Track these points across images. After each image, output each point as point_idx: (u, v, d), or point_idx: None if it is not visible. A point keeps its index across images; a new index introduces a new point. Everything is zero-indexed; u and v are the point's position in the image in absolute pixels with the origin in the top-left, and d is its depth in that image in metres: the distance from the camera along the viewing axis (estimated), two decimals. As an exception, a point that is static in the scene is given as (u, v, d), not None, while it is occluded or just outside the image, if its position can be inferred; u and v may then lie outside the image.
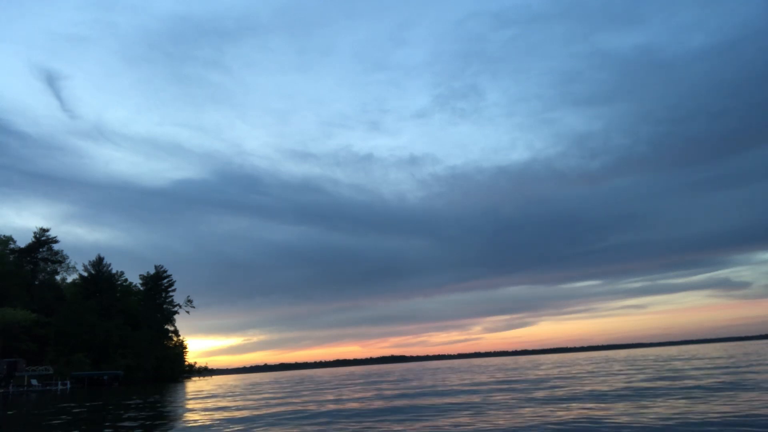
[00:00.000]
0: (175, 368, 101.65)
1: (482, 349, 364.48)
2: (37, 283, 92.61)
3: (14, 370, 64.34)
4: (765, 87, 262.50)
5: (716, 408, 10.76)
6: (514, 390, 18.84)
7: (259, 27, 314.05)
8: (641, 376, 21.97)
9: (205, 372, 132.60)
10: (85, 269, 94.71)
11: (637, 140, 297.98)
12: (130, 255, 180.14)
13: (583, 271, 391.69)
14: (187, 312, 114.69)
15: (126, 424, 14.64)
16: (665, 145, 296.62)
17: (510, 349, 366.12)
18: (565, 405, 12.74)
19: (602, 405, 12.23)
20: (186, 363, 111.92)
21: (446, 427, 10.32)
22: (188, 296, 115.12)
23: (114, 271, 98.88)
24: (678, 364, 31.06)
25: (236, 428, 12.30)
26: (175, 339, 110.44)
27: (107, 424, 14.88)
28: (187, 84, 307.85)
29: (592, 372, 29.10)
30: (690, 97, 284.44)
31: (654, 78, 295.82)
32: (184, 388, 50.05)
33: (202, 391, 38.51)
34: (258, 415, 14.98)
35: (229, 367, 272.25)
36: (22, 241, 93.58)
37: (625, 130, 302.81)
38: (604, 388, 17.24)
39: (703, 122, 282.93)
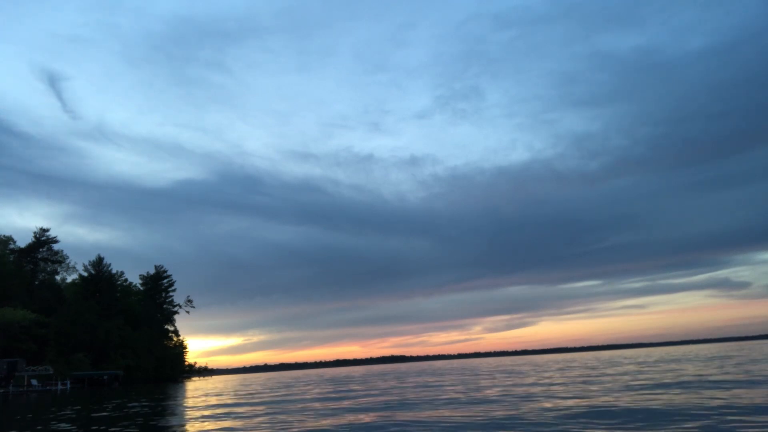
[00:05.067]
0: (175, 368, 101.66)
1: (482, 349, 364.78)
2: (37, 283, 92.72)
3: (14, 370, 64.38)
4: (763, 88, 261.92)
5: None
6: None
7: (261, 28, 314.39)
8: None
9: (205, 372, 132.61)
10: (85, 269, 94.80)
11: (636, 141, 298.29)
12: (130, 255, 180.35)
13: (583, 271, 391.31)
14: (187, 312, 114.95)
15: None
16: (664, 146, 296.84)
17: (510, 349, 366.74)
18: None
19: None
20: (186, 363, 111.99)
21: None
22: (188, 296, 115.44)
23: (114, 271, 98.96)
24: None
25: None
26: (175, 339, 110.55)
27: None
28: (188, 85, 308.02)
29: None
30: (689, 98, 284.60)
31: (653, 79, 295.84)
32: (183, 388, 50.15)
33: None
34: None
35: (229, 367, 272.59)
36: (24, 241, 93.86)
37: (624, 131, 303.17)
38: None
39: (702, 123, 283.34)
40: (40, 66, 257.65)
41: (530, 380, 24.07)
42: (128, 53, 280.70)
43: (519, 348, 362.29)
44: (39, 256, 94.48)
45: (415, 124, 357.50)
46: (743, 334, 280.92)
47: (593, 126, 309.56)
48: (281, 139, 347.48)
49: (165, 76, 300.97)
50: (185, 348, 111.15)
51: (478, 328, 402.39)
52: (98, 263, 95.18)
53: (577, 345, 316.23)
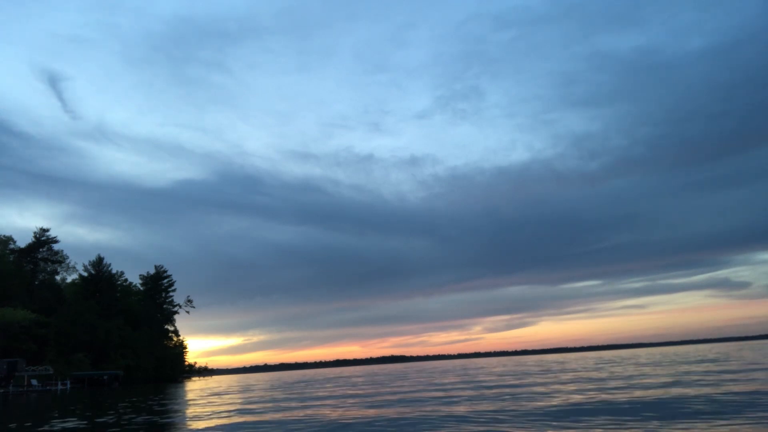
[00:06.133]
0: (175, 368, 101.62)
1: (482, 349, 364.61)
2: (37, 283, 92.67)
3: (14, 370, 64.37)
4: (763, 89, 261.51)
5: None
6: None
7: (261, 29, 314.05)
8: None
9: (205, 372, 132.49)
10: (85, 269, 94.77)
11: (636, 141, 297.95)
12: (130, 255, 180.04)
13: (583, 271, 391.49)
14: (187, 312, 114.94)
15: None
16: (664, 146, 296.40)
17: (510, 349, 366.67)
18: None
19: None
20: (186, 363, 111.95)
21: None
22: (188, 296, 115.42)
23: (114, 271, 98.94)
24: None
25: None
26: (175, 339, 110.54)
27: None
28: (188, 85, 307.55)
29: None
30: (688, 98, 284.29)
31: (653, 79, 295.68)
32: (183, 388, 50.10)
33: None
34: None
35: (229, 367, 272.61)
36: (24, 241, 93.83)
37: (624, 131, 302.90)
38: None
39: (702, 124, 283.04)
40: (40, 66, 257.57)
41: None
42: (128, 53, 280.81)
43: (519, 348, 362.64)
44: (39, 256, 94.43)
45: (415, 124, 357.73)
46: (743, 334, 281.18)
47: (593, 126, 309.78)
48: (281, 139, 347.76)
49: (165, 76, 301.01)
50: (185, 348, 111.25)
51: (478, 328, 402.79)
52: (98, 263, 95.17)
53: (577, 345, 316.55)
